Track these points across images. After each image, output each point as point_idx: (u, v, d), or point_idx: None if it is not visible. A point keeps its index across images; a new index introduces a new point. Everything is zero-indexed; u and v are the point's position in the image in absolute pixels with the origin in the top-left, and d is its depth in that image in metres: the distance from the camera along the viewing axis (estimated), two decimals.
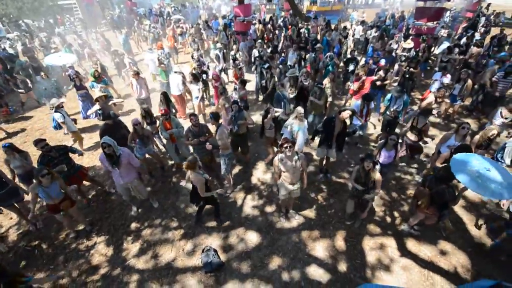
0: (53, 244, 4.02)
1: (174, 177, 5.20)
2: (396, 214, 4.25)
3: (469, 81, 5.99)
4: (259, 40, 9.25)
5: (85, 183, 4.72)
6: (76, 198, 4.52)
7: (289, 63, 7.87)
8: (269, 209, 4.41)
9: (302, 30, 11.36)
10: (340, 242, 3.83)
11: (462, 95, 6.08)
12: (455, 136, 4.04)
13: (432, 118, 6.58)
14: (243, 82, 6.11)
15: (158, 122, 4.97)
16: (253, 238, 3.94)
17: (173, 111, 5.86)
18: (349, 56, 8.19)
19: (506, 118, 4.70)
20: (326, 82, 6.10)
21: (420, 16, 9.65)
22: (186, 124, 4.80)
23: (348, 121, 4.41)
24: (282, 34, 11.37)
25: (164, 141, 5.12)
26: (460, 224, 4.05)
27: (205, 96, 7.38)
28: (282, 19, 14.82)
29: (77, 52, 10.66)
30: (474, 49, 8.20)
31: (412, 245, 3.75)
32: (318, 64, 7.83)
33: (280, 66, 7.13)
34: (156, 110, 6.26)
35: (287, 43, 10.51)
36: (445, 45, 8.47)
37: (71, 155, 4.30)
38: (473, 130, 5.83)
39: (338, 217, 4.19)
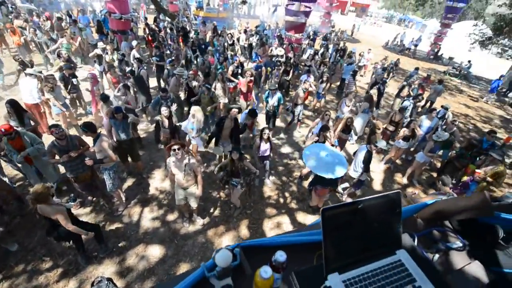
0: None
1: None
2: (286, 194, 4.93)
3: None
4: (136, 42, 8.53)
5: None
6: None
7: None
8: (171, 217, 4.17)
9: (190, 34, 11.35)
10: (244, 230, 4.09)
11: (324, 92, 7.75)
12: (321, 122, 5.12)
13: (306, 112, 8.02)
14: (127, 87, 5.50)
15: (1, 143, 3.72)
16: (155, 252, 3.63)
17: (31, 123, 4.54)
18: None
19: (348, 106, 6.33)
20: (216, 83, 6.37)
21: (289, 28, 11.52)
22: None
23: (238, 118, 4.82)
24: (169, 38, 10.99)
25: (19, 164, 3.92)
26: None
27: (78, 103, 6.18)
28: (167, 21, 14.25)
29: None
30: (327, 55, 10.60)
31: (300, 217, 4.46)
32: (209, 67, 8.03)
33: (168, 67, 6.88)
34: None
35: (175, 45, 10.26)
36: (309, 52, 10.55)
37: None
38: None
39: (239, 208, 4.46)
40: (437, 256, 1.11)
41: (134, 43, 8.38)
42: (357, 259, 0.96)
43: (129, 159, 4.68)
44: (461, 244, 1.13)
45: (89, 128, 3.50)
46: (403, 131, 5.46)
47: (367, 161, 4.26)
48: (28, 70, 5.19)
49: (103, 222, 3.95)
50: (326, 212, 0.87)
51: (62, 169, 4.27)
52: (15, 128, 3.60)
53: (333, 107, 8.89)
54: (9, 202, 3.99)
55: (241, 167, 3.86)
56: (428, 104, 9.05)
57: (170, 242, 3.77)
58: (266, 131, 4.44)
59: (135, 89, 6.28)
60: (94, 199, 4.26)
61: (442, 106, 6.63)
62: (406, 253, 1.00)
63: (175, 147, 3.19)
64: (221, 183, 4.12)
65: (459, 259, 1.10)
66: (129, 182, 4.75)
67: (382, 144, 4.39)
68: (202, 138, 4.98)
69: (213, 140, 4.76)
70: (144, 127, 6.41)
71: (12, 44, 8.92)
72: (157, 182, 4.84)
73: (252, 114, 4.92)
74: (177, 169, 3.39)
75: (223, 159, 5.12)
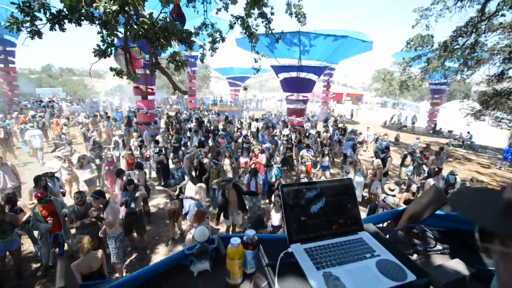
0: None
1: (38, 285, 3.88)
2: None
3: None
4: (162, 129, 9.86)
5: None
6: None
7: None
8: None
9: (204, 123, 13.05)
10: None
11: (329, 164, 8.10)
12: None
13: None
14: (139, 166, 6.09)
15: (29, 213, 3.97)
16: None
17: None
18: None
19: (348, 173, 6.51)
20: (224, 159, 6.94)
21: (290, 114, 13.10)
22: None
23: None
24: (187, 126, 12.61)
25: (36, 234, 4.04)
26: None
27: (98, 183, 6.69)
28: (188, 113, 16.60)
29: None
30: (324, 134, 11.58)
31: None
32: (219, 147, 8.86)
33: (182, 148, 7.65)
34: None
35: (192, 132, 11.65)
36: (313, 131, 11.60)
37: None
38: None
39: None
40: (415, 255, 1.12)
41: (160, 131, 9.59)
42: (319, 235, 1.02)
43: (135, 234, 4.70)
44: (440, 247, 1.14)
45: (99, 194, 3.80)
46: (404, 196, 5.33)
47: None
48: (56, 153, 5.97)
49: None
50: (284, 188, 1.02)
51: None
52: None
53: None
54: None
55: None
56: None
57: None
58: (277, 198, 4.54)
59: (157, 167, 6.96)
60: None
61: (450, 173, 6.66)
62: (368, 233, 1.06)
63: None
64: None
65: (439, 259, 1.09)
66: (132, 256, 4.58)
67: (389, 200, 4.35)
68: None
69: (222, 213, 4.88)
70: (154, 203, 6.59)
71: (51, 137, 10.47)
72: (160, 258, 4.63)
73: (253, 173, 5.31)
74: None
75: (230, 230, 5.02)
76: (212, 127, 12.02)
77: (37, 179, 4.74)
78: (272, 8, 6.23)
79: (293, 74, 12.16)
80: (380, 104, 44.84)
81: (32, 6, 2.42)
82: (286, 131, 10.31)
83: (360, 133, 13.19)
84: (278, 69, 12.55)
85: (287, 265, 0.90)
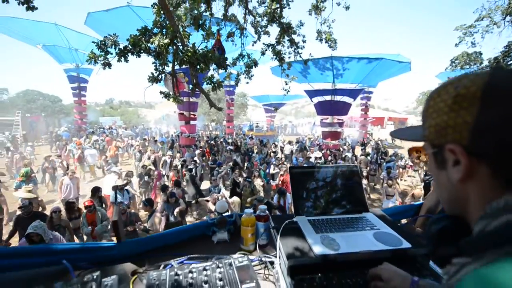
0: None
1: None
2: None
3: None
4: (198, 151, 10.70)
5: None
6: None
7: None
8: None
9: (241, 146, 13.67)
10: None
11: (366, 187, 7.69)
12: None
13: None
14: (177, 184, 6.61)
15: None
16: None
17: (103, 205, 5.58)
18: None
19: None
20: (256, 179, 7.16)
21: (325, 137, 12.98)
22: None
23: None
24: (227, 147, 13.35)
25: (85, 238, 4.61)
26: None
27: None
28: (225, 138, 17.58)
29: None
30: (361, 158, 11.11)
31: None
32: (252, 168, 9.14)
33: (217, 168, 8.15)
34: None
35: (228, 154, 12.27)
36: (349, 154, 11.24)
37: None
38: None
39: None
40: None
41: (197, 152, 10.42)
42: (323, 212, 1.11)
43: None
44: None
45: (149, 202, 4.22)
46: None
47: None
48: (113, 168, 6.83)
49: None
50: (293, 170, 1.17)
51: None
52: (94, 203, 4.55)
53: (379, 205, 8.38)
54: None
55: None
56: None
57: None
58: None
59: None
60: None
61: None
62: (373, 214, 1.12)
63: None
64: None
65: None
66: None
67: None
68: None
69: None
70: (191, 219, 6.95)
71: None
72: None
73: (281, 192, 5.35)
74: None
75: None
76: (247, 150, 12.50)
77: (94, 190, 5.48)
78: (303, 37, 6.69)
79: (327, 97, 12.28)
80: None
81: (106, 44, 3.15)
82: (318, 154, 10.20)
83: (403, 157, 12.32)
84: (312, 94, 12.81)
85: (290, 229, 1.02)
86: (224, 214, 1.26)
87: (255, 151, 13.78)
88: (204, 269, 0.83)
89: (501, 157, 0.35)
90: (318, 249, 0.87)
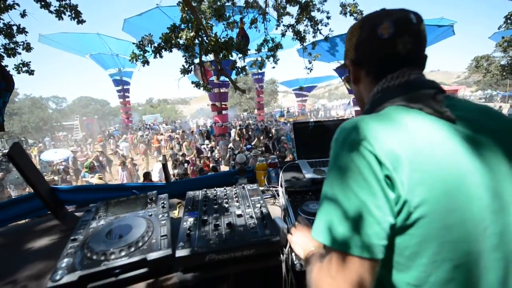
0: None
1: None
2: None
3: None
4: (237, 138, 11.20)
5: None
6: None
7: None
8: None
9: (271, 132, 13.93)
10: None
11: None
12: None
13: None
14: (214, 169, 7.18)
15: None
16: None
17: None
18: None
19: None
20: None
21: (359, 115, 12.53)
22: None
23: None
24: (255, 134, 13.78)
25: None
26: None
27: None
28: (256, 125, 18.04)
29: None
30: None
31: None
32: (284, 151, 9.40)
33: (247, 151, 8.60)
34: None
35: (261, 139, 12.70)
36: None
37: None
38: None
39: None
40: None
41: (231, 139, 11.07)
42: (320, 155, 1.35)
43: None
44: None
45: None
46: None
47: None
48: (160, 159, 7.69)
49: None
50: (296, 124, 1.42)
51: None
52: None
53: None
54: None
55: None
56: None
57: None
58: None
59: None
60: None
61: None
62: None
63: None
64: None
65: None
66: None
67: None
68: None
69: None
70: None
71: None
72: None
73: None
74: None
75: None
76: (278, 135, 12.73)
77: (146, 174, 6.32)
78: (328, 13, 6.55)
79: None
80: (484, 99, 36.54)
81: (143, 43, 3.65)
82: None
83: None
84: (342, 72, 12.34)
85: (292, 167, 1.30)
86: (242, 163, 1.57)
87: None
88: (225, 189, 1.17)
89: (367, 60, 0.59)
90: (309, 175, 1.14)
